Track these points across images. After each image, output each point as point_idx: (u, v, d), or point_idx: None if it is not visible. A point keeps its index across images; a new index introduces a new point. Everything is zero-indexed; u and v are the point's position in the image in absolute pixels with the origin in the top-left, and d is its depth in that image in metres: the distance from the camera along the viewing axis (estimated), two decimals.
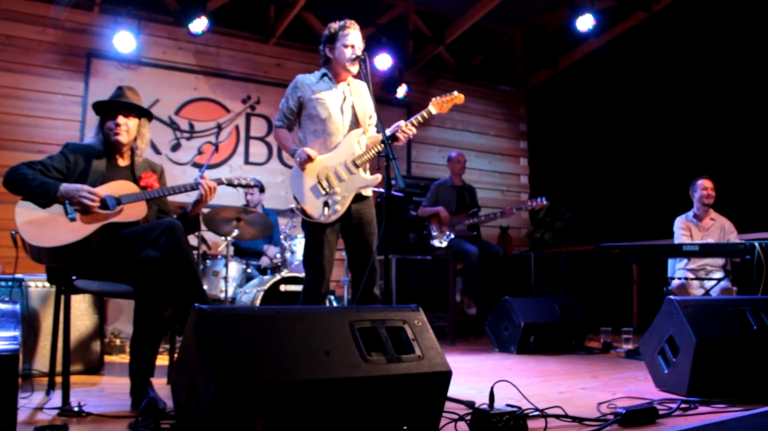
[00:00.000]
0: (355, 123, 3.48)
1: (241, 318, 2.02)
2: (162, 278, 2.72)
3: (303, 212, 3.34)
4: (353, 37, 3.42)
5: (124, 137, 3.10)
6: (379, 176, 3.44)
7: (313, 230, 3.36)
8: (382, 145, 3.27)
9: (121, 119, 3.09)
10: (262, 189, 5.94)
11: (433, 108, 3.51)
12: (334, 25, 3.47)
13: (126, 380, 2.77)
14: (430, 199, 6.29)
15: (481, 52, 8.34)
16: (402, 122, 3.38)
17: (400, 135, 3.36)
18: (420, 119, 3.43)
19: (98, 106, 3.16)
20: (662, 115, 7.16)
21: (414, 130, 3.40)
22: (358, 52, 3.40)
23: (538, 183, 8.86)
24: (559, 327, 5.20)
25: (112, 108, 3.11)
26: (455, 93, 3.54)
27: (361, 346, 2.11)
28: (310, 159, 3.33)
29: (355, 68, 3.42)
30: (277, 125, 3.56)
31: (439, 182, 6.41)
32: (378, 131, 3.57)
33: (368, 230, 3.42)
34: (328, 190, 3.34)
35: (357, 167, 3.39)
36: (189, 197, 3.24)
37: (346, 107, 3.46)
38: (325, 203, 3.32)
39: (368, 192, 3.50)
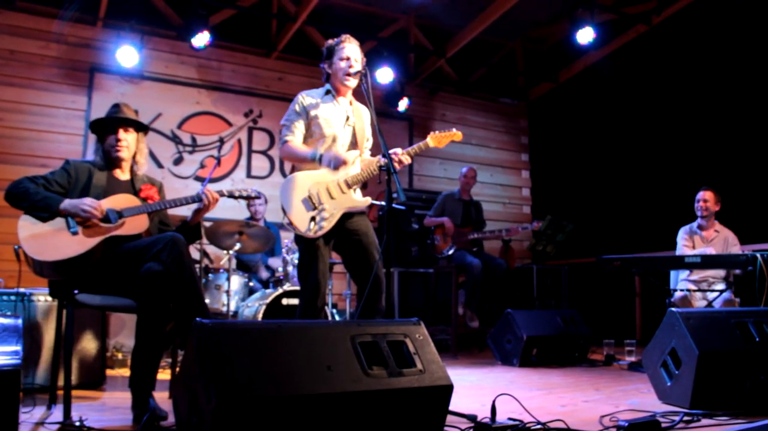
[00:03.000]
0: (354, 144, 3.49)
1: (243, 332, 2.02)
2: (164, 291, 2.73)
3: (289, 223, 3.31)
4: (349, 49, 3.42)
5: (124, 153, 3.15)
6: (368, 199, 3.46)
7: (307, 244, 3.34)
8: (377, 167, 3.35)
9: (121, 134, 3.13)
10: (265, 200, 5.96)
11: (431, 141, 3.59)
12: (331, 41, 3.49)
13: (127, 394, 2.77)
14: (436, 209, 6.32)
15: (482, 65, 8.37)
16: (399, 150, 3.35)
17: (395, 164, 3.28)
18: (417, 149, 3.48)
19: (96, 124, 3.19)
20: (663, 127, 7.18)
21: (409, 159, 3.39)
22: (356, 65, 3.41)
23: (540, 196, 8.86)
24: (562, 339, 5.19)
25: (111, 124, 3.15)
26: (454, 130, 3.69)
27: (362, 360, 2.12)
28: (345, 163, 3.27)
29: (352, 81, 3.41)
30: (286, 139, 3.40)
31: (447, 193, 6.44)
32: (372, 155, 3.61)
33: (366, 240, 3.38)
34: (317, 206, 3.31)
35: (349, 186, 3.38)
36: (191, 211, 3.25)
37: (347, 128, 3.47)
38: (312, 218, 3.29)
39: (363, 208, 3.49)
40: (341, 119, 3.44)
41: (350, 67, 3.39)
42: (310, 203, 3.32)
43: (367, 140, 3.57)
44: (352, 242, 3.39)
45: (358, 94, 3.51)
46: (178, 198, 3.14)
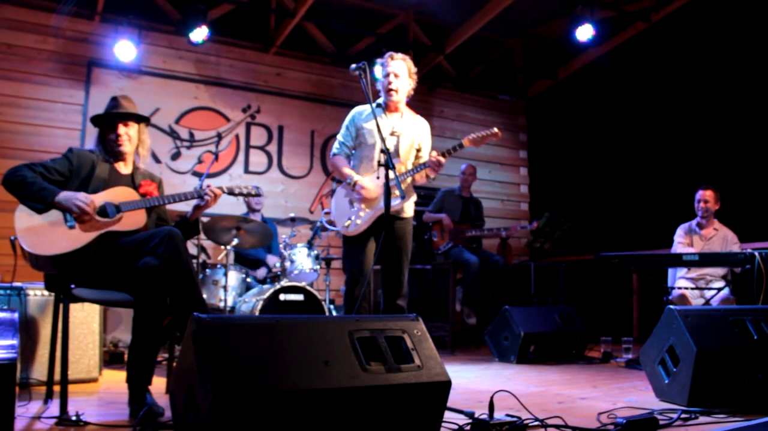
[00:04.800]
0: (396, 153, 3.71)
1: (241, 327, 2.01)
2: (161, 286, 2.72)
3: (331, 222, 3.74)
4: (392, 66, 3.71)
5: (126, 147, 3.14)
6: (402, 202, 3.67)
7: (347, 239, 3.69)
8: (416, 170, 3.67)
9: (121, 129, 3.11)
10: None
11: (465, 143, 3.79)
12: (379, 60, 3.80)
13: (124, 389, 2.76)
14: (436, 205, 6.33)
15: (481, 62, 8.36)
16: (434, 153, 3.62)
17: (433, 167, 3.60)
18: (452, 150, 3.70)
19: (96, 120, 3.17)
20: (662, 124, 7.18)
21: (444, 160, 3.62)
22: (394, 81, 3.67)
23: (538, 193, 8.86)
24: (559, 336, 5.19)
25: (110, 119, 3.13)
26: (494, 130, 3.79)
27: (360, 356, 2.11)
28: (362, 197, 3.61)
29: (394, 96, 3.68)
30: (335, 152, 3.81)
31: (447, 190, 6.45)
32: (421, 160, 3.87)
33: (400, 244, 3.67)
34: (356, 206, 3.66)
35: None
36: (189, 206, 3.24)
37: (390, 137, 3.69)
38: (349, 217, 3.64)
39: (407, 213, 3.76)
40: (386, 130, 3.66)
41: (389, 83, 3.68)
42: (350, 205, 3.70)
43: (419, 149, 3.84)
44: (390, 242, 3.63)
45: (416, 108, 3.84)
46: (178, 194, 3.12)
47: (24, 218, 2.81)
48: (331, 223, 3.68)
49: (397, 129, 3.71)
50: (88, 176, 3.03)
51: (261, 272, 5.71)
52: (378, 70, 3.77)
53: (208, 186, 3.16)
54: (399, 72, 3.69)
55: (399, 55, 3.74)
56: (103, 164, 3.10)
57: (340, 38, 7.39)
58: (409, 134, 3.77)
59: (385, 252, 3.52)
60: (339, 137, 3.82)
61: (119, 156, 3.16)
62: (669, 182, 6.86)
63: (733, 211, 5.70)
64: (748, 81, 6.29)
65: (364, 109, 3.80)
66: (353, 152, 3.81)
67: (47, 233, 2.79)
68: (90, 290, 2.89)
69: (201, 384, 1.84)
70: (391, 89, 3.67)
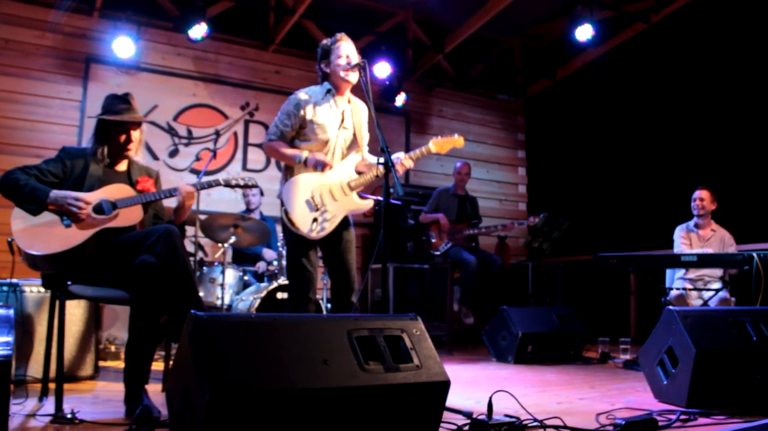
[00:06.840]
0: (353, 145, 3.50)
1: (238, 326, 2.00)
2: (158, 284, 2.70)
3: (291, 223, 3.32)
4: (345, 48, 3.42)
5: (133, 152, 3.14)
6: (370, 202, 3.50)
7: (295, 237, 3.36)
8: (377, 169, 3.30)
9: (134, 135, 3.10)
10: (261, 192, 5.94)
11: (433, 147, 3.56)
12: (326, 41, 3.48)
13: (120, 387, 2.75)
14: (431, 205, 6.30)
15: (480, 62, 8.34)
16: (402, 154, 3.41)
17: (398, 167, 3.33)
18: (419, 154, 3.50)
19: (107, 122, 3.08)
20: (661, 125, 7.17)
21: (412, 164, 3.46)
22: (354, 61, 3.40)
23: (537, 193, 8.85)
24: (557, 336, 5.19)
25: (125, 126, 3.07)
26: (456, 136, 3.64)
27: (359, 355, 2.10)
28: (327, 164, 3.31)
29: (352, 76, 3.39)
30: (271, 138, 3.42)
31: (441, 189, 6.42)
32: (370, 151, 3.63)
33: (347, 237, 3.46)
34: (320, 207, 3.35)
35: (351, 189, 3.42)
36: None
37: (343, 130, 3.45)
38: (315, 220, 3.33)
39: None
40: (337, 122, 3.43)
41: (349, 63, 3.38)
42: (313, 205, 3.35)
43: (363, 137, 3.57)
44: (332, 240, 3.43)
45: (356, 90, 3.49)
46: (161, 191, 3.09)
47: (20, 219, 2.80)
48: (291, 221, 3.31)
49: (349, 121, 3.47)
50: (82, 175, 3.00)
51: (260, 267, 5.69)
52: (327, 52, 3.42)
53: (180, 184, 3.14)
54: (353, 55, 3.42)
55: (348, 38, 3.48)
56: (98, 162, 3.07)
57: None
58: (359, 123, 3.52)
59: (333, 250, 3.45)
60: (279, 124, 3.40)
61: (124, 159, 3.15)
62: (667, 183, 6.86)
63: (732, 212, 5.70)
64: (746, 82, 6.29)
65: (311, 95, 3.41)
66: (296, 141, 3.44)
67: (43, 233, 2.77)
68: (87, 288, 2.88)
69: (198, 383, 1.83)
70: (351, 69, 3.35)
